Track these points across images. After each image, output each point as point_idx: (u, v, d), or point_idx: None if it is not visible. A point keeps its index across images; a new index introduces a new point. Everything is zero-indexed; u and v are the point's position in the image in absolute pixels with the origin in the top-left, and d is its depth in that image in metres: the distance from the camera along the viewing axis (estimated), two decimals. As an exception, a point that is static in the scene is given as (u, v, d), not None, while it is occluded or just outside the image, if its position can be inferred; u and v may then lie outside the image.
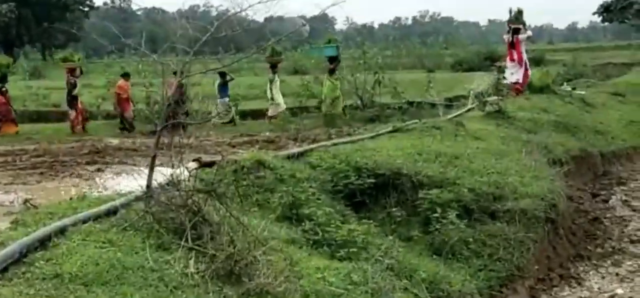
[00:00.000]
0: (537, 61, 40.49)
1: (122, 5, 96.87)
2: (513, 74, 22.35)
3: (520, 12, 23.05)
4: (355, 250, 7.63)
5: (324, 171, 9.88)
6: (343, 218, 8.73)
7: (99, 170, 15.27)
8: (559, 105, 19.35)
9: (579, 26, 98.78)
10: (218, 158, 9.68)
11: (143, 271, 5.40)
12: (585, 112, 19.42)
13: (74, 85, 22.83)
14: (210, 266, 5.51)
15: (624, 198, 14.31)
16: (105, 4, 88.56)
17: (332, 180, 9.70)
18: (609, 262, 10.45)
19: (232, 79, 24.93)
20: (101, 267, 5.34)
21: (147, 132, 20.80)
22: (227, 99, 24.41)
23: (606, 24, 65.79)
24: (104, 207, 6.87)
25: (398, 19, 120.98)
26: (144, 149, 17.70)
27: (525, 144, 14.28)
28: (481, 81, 19.60)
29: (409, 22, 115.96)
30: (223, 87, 24.45)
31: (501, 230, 9.68)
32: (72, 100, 22.80)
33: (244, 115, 24.51)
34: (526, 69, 22.97)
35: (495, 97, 17.05)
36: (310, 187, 9.13)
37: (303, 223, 8.09)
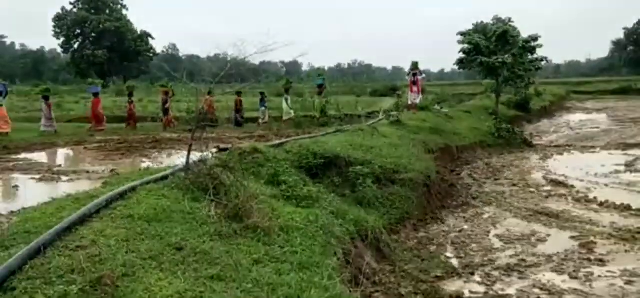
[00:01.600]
0: (422, 91, 40.92)
1: (172, 53, 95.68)
2: (415, 99, 23.53)
3: (416, 64, 24.98)
4: (311, 202, 7.61)
5: (294, 155, 9.80)
6: (305, 183, 8.67)
7: (157, 152, 15.08)
8: (432, 117, 19.45)
9: (446, 71, 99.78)
10: (229, 146, 9.61)
11: (183, 213, 5.33)
12: (448, 122, 19.54)
13: (166, 101, 22.50)
14: (224, 211, 5.46)
15: (469, 172, 14.47)
16: (162, 52, 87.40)
17: (299, 160, 9.63)
18: (460, 210, 10.55)
19: (266, 97, 24.74)
20: (157, 210, 5.26)
21: (186, 130, 20.57)
22: (264, 108, 24.23)
23: (461, 70, 66.78)
24: (159, 175, 6.77)
25: (339, 63, 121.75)
26: (185, 140, 17.49)
27: (412, 140, 14.34)
28: (388, 102, 19.72)
29: (346, 66, 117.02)
30: (262, 102, 24.30)
31: (397, 191, 9.72)
32: (165, 110, 22.44)
33: (246, 120, 24.27)
34: (420, 95, 24.14)
35: (396, 112, 17.12)
36: (286, 164, 9.07)
37: (281, 186, 8.04)
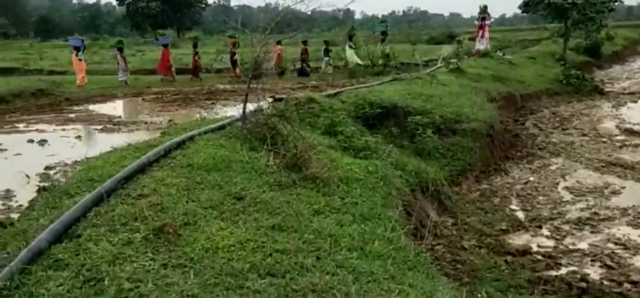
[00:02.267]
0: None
1: (224, 3, 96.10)
2: (481, 45, 22.48)
3: (485, 8, 23.56)
4: (369, 152, 7.49)
5: (350, 104, 9.67)
6: (361, 133, 8.55)
7: (213, 103, 15.25)
8: (494, 65, 18.72)
9: (507, 16, 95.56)
10: (284, 96, 9.55)
11: (242, 163, 5.33)
12: (511, 69, 18.76)
13: (234, 53, 21.95)
14: (282, 161, 5.42)
15: (534, 122, 13.89)
16: (214, 2, 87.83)
17: (355, 110, 9.50)
18: (525, 161, 10.18)
19: (330, 48, 24.05)
20: (216, 160, 5.28)
21: (241, 81, 20.67)
22: (328, 58, 23.74)
23: (525, 14, 63.89)
24: (216, 125, 6.79)
25: (394, 11, 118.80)
26: (240, 91, 17.59)
27: (474, 89, 13.85)
28: (447, 50, 19.03)
29: (400, 13, 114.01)
30: (326, 51, 23.78)
31: (459, 141, 9.44)
32: (234, 62, 21.95)
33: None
34: (487, 40, 23.10)
35: (455, 60, 16.50)
36: (342, 113, 8.95)
37: (337, 136, 7.95)
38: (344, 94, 10.39)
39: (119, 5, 74.04)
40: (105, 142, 9.64)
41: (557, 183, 8.84)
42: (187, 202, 4.25)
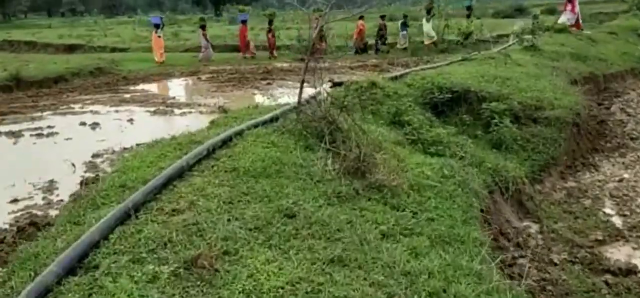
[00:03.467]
0: (551, 11, 37.16)
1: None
2: (569, 20, 19.98)
3: None
4: (441, 147, 6.54)
5: (416, 89, 8.66)
6: (430, 123, 7.59)
7: (268, 83, 14.57)
8: (573, 41, 17.08)
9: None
10: (344, 81, 8.67)
11: (295, 167, 4.52)
12: (591, 46, 17.05)
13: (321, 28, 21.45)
14: (343, 165, 4.57)
15: (621, 106, 12.39)
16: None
17: (422, 96, 8.49)
18: (616, 154, 8.90)
19: (407, 22, 22.33)
20: (266, 163, 4.49)
21: (297, 59, 19.92)
22: (405, 33, 22.05)
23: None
24: (268, 116, 6.02)
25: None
26: (297, 70, 16.87)
27: (552, 69, 12.48)
28: (519, 25, 17.44)
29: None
30: (403, 25, 22.11)
31: (541, 131, 8.26)
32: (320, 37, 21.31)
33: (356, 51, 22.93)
34: (578, 16, 20.52)
35: (530, 36, 15.03)
36: (408, 100, 8.00)
37: (404, 127, 7.03)
38: (410, 77, 9.39)
39: (181, -19, 74.78)
40: (156, 128, 9.14)
41: (657, 182, 7.61)
42: (228, 220, 3.50)
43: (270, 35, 21.96)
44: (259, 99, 12.21)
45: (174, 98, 13.00)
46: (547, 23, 18.43)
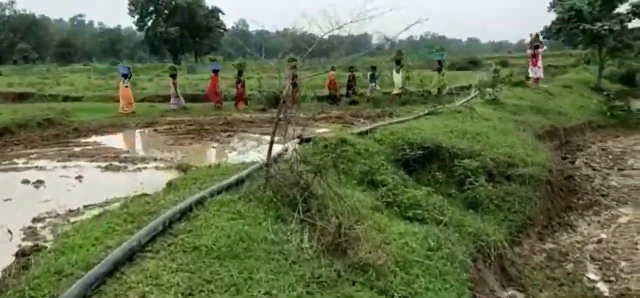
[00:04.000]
0: (504, 63, 38.23)
1: (242, 28, 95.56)
2: (534, 73, 20.98)
3: (537, 36, 22.55)
4: (419, 211, 6.06)
5: (387, 145, 8.25)
6: (404, 182, 7.13)
7: (229, 136, 13.90)
8: (531, 94, 17.24)
9: (526, 41, 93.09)
10: (313, 135, 8.16)
11: (266, 244, 3.91)
12: (549, 99, 17.25)
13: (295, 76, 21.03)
14: (321, 240, 3.99)
15: (585, 160, 12.36)
16: (232, 27, 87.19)
17: (393, 153, 8.07)
18: (590, 212, 8.64)
19: (378, 73, 22.35)
20: (232, 239, 3.87)
21: (258, 109, 19.41)
22: (374, 84, 22.03)
23: (547, 39, 62.40)
24: (233, 178, 5.41)
25: (411, 36, 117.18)
26: (258, 122, 16.33)
27: (516, 123, 12.40)
28: (481, 78, 17.51)
29: (418, 38, 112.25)
30: (372, 77, 22.09)
31: (515, 189, 7.93)
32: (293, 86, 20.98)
33: (319, 99, 22.63)
34: (541, 69, 21.59)
35: (491, 89, 15.03)
36: (380, 158, 7.55)
37: (378, 188, 6.54)
38: (379, 132, 8.98)
39: (138, 30, 73.94)
40: (107, 186, 8.36)
41: (636, 243, 7.32)
42: (188, 320, 2.85)
43: (239, 86, 21.48)
44: (220, 153, 11.54)
45: (128, 152, 12.15)
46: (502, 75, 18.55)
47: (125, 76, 20.12)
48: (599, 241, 7.42)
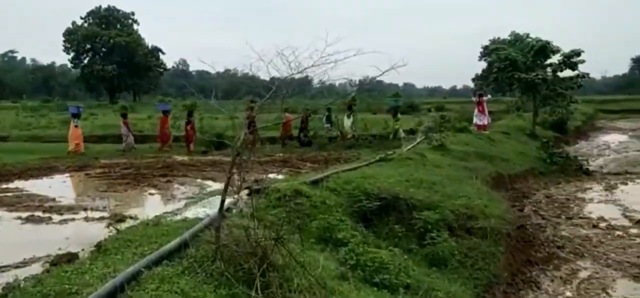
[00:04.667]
0: (440, 108, 38.91)
1: (183, 68, 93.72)
2: (481, 120, 21.29)
3: (481, 85, 23.00)
4: (386, 275, 5.37)
5: (343, 196, 7.59)
6: (365, 239, 6.46)
7: (168, 181, 12.83)
8: (474, 140, 17.20)
9: (458, 88, 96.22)
10: (261, 186, 7.37)
11: (219, 337, 3.09)
12: (492, 146, 17.26)
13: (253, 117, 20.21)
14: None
15: (533, 209, 12.15)
16: (172, 67, 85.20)
17: (350, 204, 7.42)
18: (550, 266, 8.22)
19: (331, 115, 21.88)
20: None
21: (199, 152, 18.42)
22: (329, 125, 21.64)
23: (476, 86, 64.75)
24: (175, 242, 4.54)
25: (350, 79, 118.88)
26: (199, 165, 15.33)
27: (465, 170, 12.11)
28: (427, 122, 17.38)
29: (356, 82, 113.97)
30: (327, 118, 21.74)
31: (477, 244, 7.42)
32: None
33: (262, 141, 21.83)
34: (487, 116, 21.82)
35: (438, 135, 14.82)
36: (337, 212, 6.86)
37: (339, 248, 5.83)
38: (332, 180, 8.31)
39: (73, 67, 70.92)
40: (25, 242, 7.22)
41: (604, 302, 6.93)
42: None
43: (188, 127, 20.44)
44: (159, 203, 10.50)
45: (54, 200, 10.86)
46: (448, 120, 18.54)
47: (75, 115, 19.74)
48: (566, 301, 7.00)
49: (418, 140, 15.72)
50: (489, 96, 24.33)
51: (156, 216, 6.57)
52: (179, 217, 6.13)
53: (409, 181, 8.87)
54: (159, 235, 5.21)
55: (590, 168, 17.63)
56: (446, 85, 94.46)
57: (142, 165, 15.09)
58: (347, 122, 21.17)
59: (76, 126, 19.43)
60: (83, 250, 6.74)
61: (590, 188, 14.61)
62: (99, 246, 5.16)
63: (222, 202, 4.35)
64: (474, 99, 22.77)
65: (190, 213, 6.24)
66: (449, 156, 13.77)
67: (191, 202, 8.81)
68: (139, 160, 16.21)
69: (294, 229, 5.79)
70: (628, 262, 8.42)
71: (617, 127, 35.15)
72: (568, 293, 7.21)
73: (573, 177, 16.00)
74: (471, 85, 67.49)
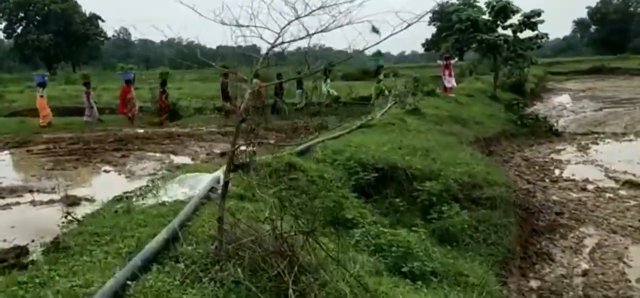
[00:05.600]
0: (395, 73, 38.28)
1: (124, 37, 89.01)
2: (448, 82, 20.42)
3: (447, 48, 22.15)
4: (415, 263, 4.48)
5: (338, 168, 6.67)
6: (374, 218, 5.57)
7: (123, 156, 11.49)
8: (443, 103, 16.58)
9: (406, 54, 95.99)
10: (249, 160, 6.31)
11: None
12: (461, 108, 16.68)
13: (227, 84, 18.02)
14: None
15: (516, 173, 11.63)
16: (113, 35, 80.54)
17: (348, 176, 6.51)
18: (556, 235, 7.62)
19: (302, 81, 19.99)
20: None
21: (154, 123, 16.95)
22: (301, 91, 20.01)
23: (425, 52, 64.89)
24: (161, 237, 3.49)
25: (299, 47, 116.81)
26: (156, 138, 13.98)
27: (447, 134, 11.42)
28: (399, 86, 16.50)
29: (306, 49, 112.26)
30: (299, 84, 20.02)
31: (487, 216, 6.70)
32: (226, 95, 18.22)
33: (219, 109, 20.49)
34: (453, 79, 21.15)
35: (412, 99, 14.02)
36: (337, 187, 5.93)
37: (350, 230, 4.92)
38: (320, 151, 7.34)
39: (6, 38, 65.93)
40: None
41: (623, 273, 6.36)
42: None
43: (164, 97, 18.77)
44: (116, 180, 9.24)
45: (-7, 180, 9.42)
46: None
47: (41, 85, 17.99)
48: (585, 274, 6.37)
49: (389, 104, 14.89)
50: (456, 59, 23.83)
51: (123, 199, 5.41)
52: (152, 201, 5.01)
53: (402, 149, 8.03)
54: (135, 226, 4.13)
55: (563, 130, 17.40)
56: (395, 52, 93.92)
57: (92, 139, 13.60)
58: (324, 87, 20.10)
59: (41, 96, 17.55)
60: (33, 241, 5.59)
61: (564, 149, 14.30)
62: (57, 244, 4.02)
63: (226, 183, 3.31)
64: (440, 62, 22.12)
65: (165, 196, 5.14)
66: (424, 120, 13.05)
67: (158, 179, 7.66)
68: (88, 134, 14.66)
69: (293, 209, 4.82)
70: (631, 226, 7.97)
71: (567, 88, 35.60)
72: (584, 265, 6.61)
73: (544, 138, 15.70)
74: (420, 50, 67.43)
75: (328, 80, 20.36)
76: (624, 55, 52.27)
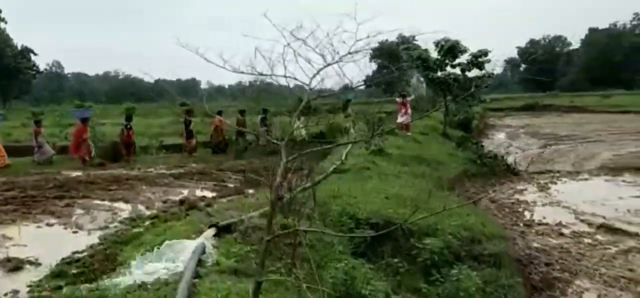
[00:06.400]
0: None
1: (57, 70, 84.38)
2: (403, 119, 19.62)
3: (403, 85, 22.05)
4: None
5: (331, 226, 5.88)
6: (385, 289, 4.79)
7: (67, 205, 10.15)
8: (403, 143, 16.20)
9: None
10: (231, 219, 5.41)
11: None
12: (421, 147, 16.35)
13: (190, 122, 18.29)
14: None
15: (489, 216, 11.22)
16: (45, 69, 76.23)
17: (350, 240, 5.74)
18: (556, 291, 7.10)
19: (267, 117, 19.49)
20: None
21: (96, 165, 15.49)
22: (265, 128, 18.81)
23: (368, 88, 65.38)
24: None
25: (240, 81, 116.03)
26: (100, 182, 12.61)
27: (418, 177, 10.89)
28: (358, 127, 15.96)
29: (247, 84, 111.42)
30: (263, 121, 19.35)
31: (494, 276, 6.08)
32: (189, 133, 18.37)
33: (166, 148, 19.22)
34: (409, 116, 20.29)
35: (379, 139, 13.47)
36: (340, 251, 5.13)
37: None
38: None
39: None
40: None
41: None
42: None
43: (130, 133, 17.34)
44: (62, 236, 7.99)
45: None
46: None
47: None
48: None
49: (350, 145, 14.23)
50: (413, 96, 23.72)
51: (73, 262, 4.35)
52: (127, 280, 4.00)
53: (389, 198, 7.35)
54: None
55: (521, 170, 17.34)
56: (336, 87, 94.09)
57: (29, 185, 12.08)
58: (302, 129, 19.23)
59: None
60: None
61: (526, 189, 14.19)
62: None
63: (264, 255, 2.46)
64: (398, 99, 21.93)
65: (141, 272, 4.14)
66: (389, 160, 12.54)
67: (108, 235, 6.57)
68: (23, 178, 13.09)
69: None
70: (623, 277, 7.63)
71: (507, 124, 36.58)
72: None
73: (504, 178, 15.58)
74: (361, 86, 67.99)
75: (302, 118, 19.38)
76: (554, 93, 54.85)
